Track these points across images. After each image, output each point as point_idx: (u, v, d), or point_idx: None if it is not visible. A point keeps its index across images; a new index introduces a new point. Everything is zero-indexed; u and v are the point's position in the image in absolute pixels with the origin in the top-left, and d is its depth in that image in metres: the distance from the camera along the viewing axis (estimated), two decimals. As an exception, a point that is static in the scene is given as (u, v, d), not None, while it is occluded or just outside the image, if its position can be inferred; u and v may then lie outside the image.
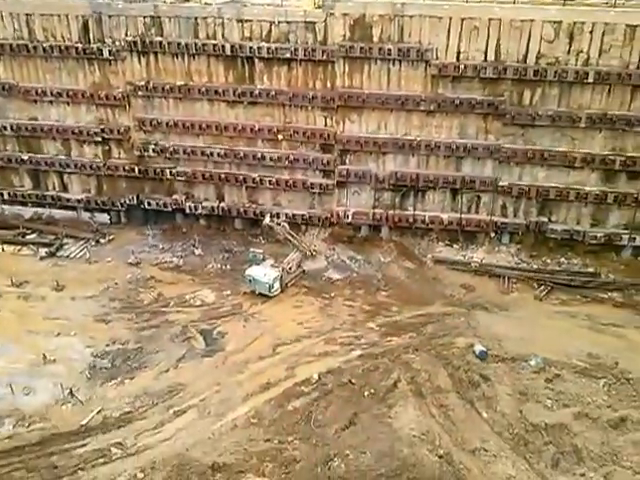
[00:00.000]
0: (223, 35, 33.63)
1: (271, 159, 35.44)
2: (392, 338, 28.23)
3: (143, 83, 35.34)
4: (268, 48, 33.20)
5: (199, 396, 24.88)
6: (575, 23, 30.66)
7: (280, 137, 34.94)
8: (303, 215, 36.10)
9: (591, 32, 30.68)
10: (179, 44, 34.02)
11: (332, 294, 31.78)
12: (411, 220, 35.14)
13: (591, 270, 33.03)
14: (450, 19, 31.55)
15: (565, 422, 23.12)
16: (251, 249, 34.25)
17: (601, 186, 33.17)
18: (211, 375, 26.13)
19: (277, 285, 31.37)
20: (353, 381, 25.27)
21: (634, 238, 33.35)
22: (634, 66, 30.96)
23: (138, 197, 37.76)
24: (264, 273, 31.31)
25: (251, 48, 33.32)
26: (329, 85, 33.70)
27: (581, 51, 31.08)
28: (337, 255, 35.02)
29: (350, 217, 35.55)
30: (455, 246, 35.21)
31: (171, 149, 36.39)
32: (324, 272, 33.71)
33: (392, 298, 31.53)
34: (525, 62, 31.69)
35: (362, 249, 35.21)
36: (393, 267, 34.10)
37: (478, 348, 26.81)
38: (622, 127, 31.87)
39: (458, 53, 32.08)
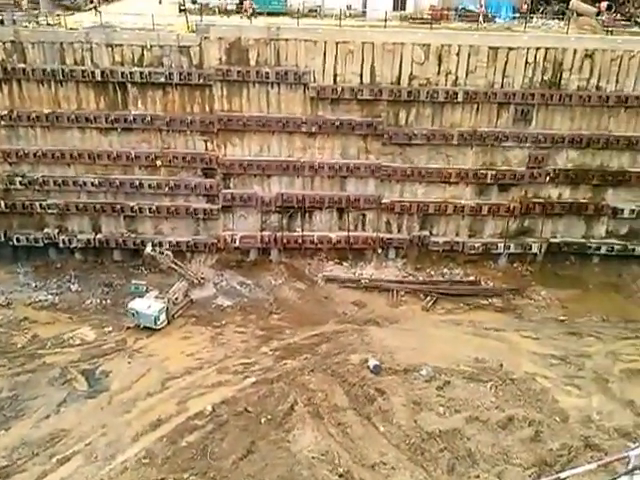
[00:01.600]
0: (92, 60, 32.74)
1: (150, 186, 34.72)
2: (287, 361, 28.34)
3: (6, 112, 33.56)
4: (141, 73, 32.72)
5: (84, 441, 23.63)
6: (443, 46, 32.84)
7: (158, 163, 34.37)
8: (188, 242, 35.57)
9: (458, 54, 32.97)
10: (45, 70, 32.71)
11: (223, 322, 31.49)
12: (300, 241, 35.67)
13: (472, 278, 35.16)
14: (325, 43, 32.70)
15: (458, 427, 24.20)
16: (133, 281, 33.24)
17: (476, 199, 35.46)
18: (96, 417, 24.90)
19: (163, 317, 30.62)
20: (249, 409, 25.06)
21: (509, 246, 35.88)
22: (498, 85, 33.58)
23: (5, 234, 35.54)
24: (148, 305, 30.48)
25: (123, 73, 32.66)
26: (207, 109, 33.73)
27: (450, 72, 33.26)
28: (226, 281, 34.79)
29: (237, 241, 35.52)
30: (345, 264, 36.10)
31: (40, 180, 34.69)
32: (213, 299, 33.34)
33: (285, 321, 31.76)
34: (399, 84, 33.39)
35: (252, 273, 35.24)
36: (284, 289, 34.39)
37: (372, 363, 27.56)
38: (491, 143, 34.37)
39: (335, 76, 33.23)
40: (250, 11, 35.79)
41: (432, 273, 35.53)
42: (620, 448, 21.76)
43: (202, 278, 34.05)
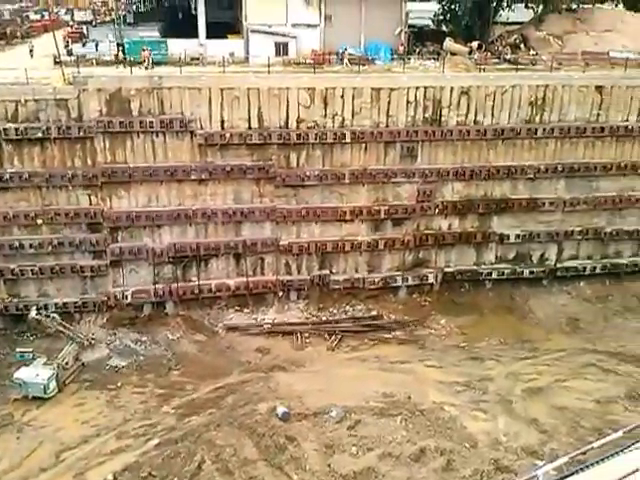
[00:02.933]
0: (-39, 117, 31.23)
1: (31, 246, 32.94)
2: (191, 418, 27.35)
3: None
4: (16, 129, 31.37)
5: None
6: (327, 89, 33.95)
7: (39, 221, 32.78)
8: (75, 302, 33.84)
9: (342, 96, 34.19)
10: None
11: (119, 383, 30.01)
12: (196, 291, 34.96)
13: (374, 313, 35.79)
14: (210, 90, 32.92)
15: (372, 465, 24.17)
16: (17, 349, 30.98)
17: (372, 235, 36.39)
18: (-17, 503, 22.89)
19: (53, 384, 28.76)
20: (154, 473, 23.87)
21: (407, 278, 36.97)
22: (383, 124, 35.05)
23: None
24: (36, 373, 28.58)
25: (-4, 130, 31.27)
26: (90, 162, 32.74)
27: (336, 114, 34.37)
28: (119, 340, 33.27)
29: (129, 297, 34.27)
30: (245, 310, 35.64)
31: None
32: (107, 361, 31.77)
33: (186, 376, 30.75)
34: (287, 127, 34.06)
35: (147, 329, 33.95)
36: (183, 343, 33.40)
37: (280, 410, 27.12)
38: (381, 180, 35.63)
39: (222, 122, 33.42)
40: (148, 61, 35.42)
41: (335, 312, 35.82)
42: (528, 467, 22.53)
43: (93, 339, 32.45)
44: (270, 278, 35.93)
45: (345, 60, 38.37)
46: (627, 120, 37.41)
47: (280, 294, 36.22)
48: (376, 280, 36.59)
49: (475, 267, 37.82)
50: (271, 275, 36.02)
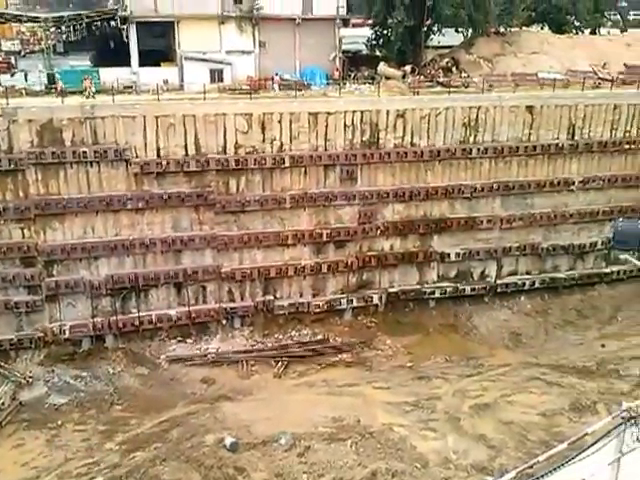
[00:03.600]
0: None
1: (-39, 284, 31.88)
2: (136, 454, 26.60)
3: None
4: (-57, 162, 30.56)
5: None
6: (264, 114, 34.27)
7: (-32, 258, 31.79)
8: (10, 340, 32.55)
9: (280, 121, 34.55)
10: None
11: (59, 422, 29.05)
12: (137, 323, 34.23)
13: (320, 337, 35.88)
14: (144, 118, 32.72)
15: (323, 492, 24.11)
16: (-50, 392, 29.83)
17: (315, 258, 36.62)
18: None
19: (-12, 427, 27.71)
20: (97, 514, 23.18)
21: (351, 300, 37.24)
22: (322, 148, 35.57)
23: None
24: (-31, 417, 27.49)
25: None
26: (22, 194, 31.94)
27: (274, 139, 34.66)
28: (58, 377, 32.15)
29: (67, 332, 33.23)
30: (189, 341, 35.09)
31: None
32: (46, 399, 30.70)
33: (129, 410, 30.03)
34: (225, 153, 34.12)
35: (87, 364, 32.94)
36: (125, 377, 32.57)
37: (228, 440, 26.70)
38: (322, 203, 36.01)
39: (158, 149, 33.20)
40: (90, 90, 34.85)
41: (280, 337, 35.73)
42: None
43: (30, 377, 31.33)
44: (213, 306, 35.57)
45: (275, 85, 38.78)
46: (557, 138, 39.01)
47: (224, 322, 35.85)
48: (321, 303, 36.75)
49: (418, 286, 38.47)
50: (214, 303, 35.67)
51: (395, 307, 38.01)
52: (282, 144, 34.89)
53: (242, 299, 36.12)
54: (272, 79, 39.43)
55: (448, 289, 38.65)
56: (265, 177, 35.03)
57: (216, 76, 40.30)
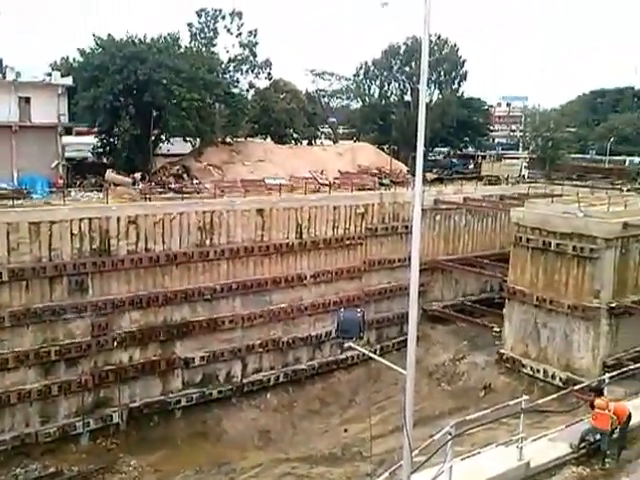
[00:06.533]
0: None
1: None
2: None
3: None
4: None
5: None
6: (-28, 226, 31.20)
7: None
8: None
9: (-5, 232, 31.67)
10: None
11: None
12: None
13: (52, 470, 31.82)
14: None
15: None
16: None
17: (43, 380, 33.03)
18: None
19: None
20: None
21: (88, 423, 33.95)
22: (47, 259, 33.18)
23: None
24: None
25: None
26: None
27: None
28: None
29: None
30: None
31: None
32: None
33: None
34: None
35: None
36: None
37: None
38: (49, 318, 33.12)
39: None
40: None
41: (2, 478, 31.00)
42: None
43: None
44: None
45: None
46: (287, 237, 41.58)
47: None
48: (52, 431, 32.84)
49: (163, 397, 36.68)
50: None
51: (139, 423, 35.58)
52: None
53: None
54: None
55: (194, 395, 37.47)
56: (-22, 294, 31.43)
57: None
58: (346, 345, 13.96)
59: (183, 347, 37.60)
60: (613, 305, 36.45)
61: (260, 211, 40.39)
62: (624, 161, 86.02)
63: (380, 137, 74.87)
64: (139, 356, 36.17)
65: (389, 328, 46.16)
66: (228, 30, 55.46)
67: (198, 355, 37.93)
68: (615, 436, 13.68)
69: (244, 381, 39.71)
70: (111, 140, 47.03)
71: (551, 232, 38.15)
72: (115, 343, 35.09)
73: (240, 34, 55.62)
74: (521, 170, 69.76)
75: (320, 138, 69.95)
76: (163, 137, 48.87)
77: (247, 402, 39.28)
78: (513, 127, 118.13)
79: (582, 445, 13.81)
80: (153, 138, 47.23)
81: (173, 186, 43.31)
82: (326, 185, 47.69)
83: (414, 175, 12.03)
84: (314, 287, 42.86)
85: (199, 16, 55.23)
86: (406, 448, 11.28)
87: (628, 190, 56.58)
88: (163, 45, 47.39)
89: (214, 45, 55.65)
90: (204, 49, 53.95)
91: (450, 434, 11.21)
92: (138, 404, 35.85)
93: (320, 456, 34.06)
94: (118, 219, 35.43)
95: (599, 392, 14.55)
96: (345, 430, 36.86)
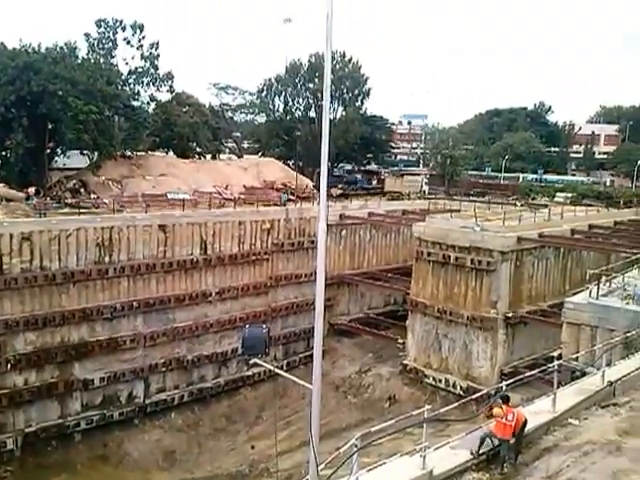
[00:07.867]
0: None
1: None
2: None
3: None
4: None
5: None
6: None
7: None
8: None
9: None
10: None
11: None
12: None
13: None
14: None
15: None
16: None
17: None
18: None
19: None
20: None
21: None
22: None
23: None
24: None
25: None
26: None
27: None
28: None
29: None
30: None
31: None
32: None
33: None
34: None
35: None
36: None
37: None
38: None
39: None
40: None
41: None
42: None
43: None
44: None
45: None
46: (192, 253, 41.49)
47: None
48: None
49: (61, 420, 35.73)
50: None
51: (35, 449, 34.43)
52: None
53: None
54: None
55: (95, 418, 36.74)
56: None
57: None
58: (252, 362, 14.18)
59: (82, 368, 36.78)
60: (509, 315, 39.02)
61: (162, 226, 40.18)
62: (518, 177, 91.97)
63: (285, 152, 76.25)
64: (35, 378, 35.07)
65: (296, 343, 47.04)
66: (128, 42, 54.97)
67: (98, 376, 37.20)
68: (512, 442, 14.36)
69: (147, 401, 39.29)
70: (3, 153, 45.42)
71: (450, 246, 40.42)
72: (9, 365, 33.86)
73: (141, 46, 55.26)
74: (422, 186, 73.11)
75: (224, 152, 70.32)
76: (59, 150, 47.80)
77: (150, 423, 38.87)
78: (414, 144, 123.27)
79: (481, 452, 14.42)
80: (48, 151, 46.12)
81: (69, 201, 42.45)
82: (231, 200, 48.12)
83: (319, 190, 12.72)
84: (219, 304, 43.05)
85: (98, 26, 54.49)
86: (312, 462, 11.52)
87: (522, 205, 60.40)
88: (59, 55, 46.53)
89: (113, 57, 55.09)
90: (102, 60, 53.25)
91: (356, 446, 11.68)
92: (34, 428, 34.72)
93: (227, 474, 34.34)
94: (11, 236, 34.35)
95: (506, 399, 15.00)
96: (252, 447, 37.21)
